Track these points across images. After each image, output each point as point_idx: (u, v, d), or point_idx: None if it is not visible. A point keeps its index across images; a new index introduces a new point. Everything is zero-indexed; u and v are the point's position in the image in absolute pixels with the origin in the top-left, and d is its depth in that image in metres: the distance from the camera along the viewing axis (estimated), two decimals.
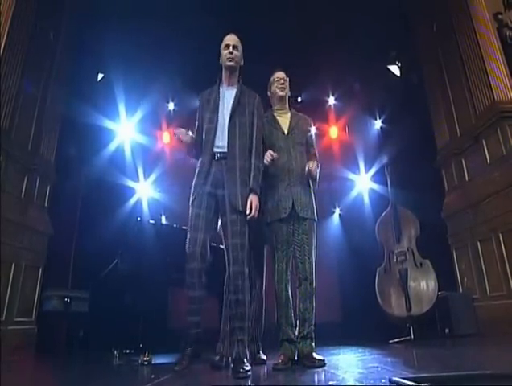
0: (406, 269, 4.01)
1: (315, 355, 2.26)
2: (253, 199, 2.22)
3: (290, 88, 2.78)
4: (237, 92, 2.43)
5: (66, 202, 4.77)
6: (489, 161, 3.85)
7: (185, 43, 5.03)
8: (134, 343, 3.34)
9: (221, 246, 2.32)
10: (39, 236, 4.02)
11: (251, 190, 2.24)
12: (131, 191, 6.05)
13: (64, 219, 4.70)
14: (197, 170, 2.33)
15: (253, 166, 2.30)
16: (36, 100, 4.07)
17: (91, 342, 4.09)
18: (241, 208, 2.20)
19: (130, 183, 6.02)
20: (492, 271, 3.74)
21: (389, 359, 2.34)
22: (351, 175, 6.48)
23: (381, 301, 4.04)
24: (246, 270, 2.19)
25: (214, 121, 2.35)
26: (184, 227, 2.28)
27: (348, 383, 1.54)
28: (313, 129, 2.86)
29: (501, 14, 4.10)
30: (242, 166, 2.28)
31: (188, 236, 2.20)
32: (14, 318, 3.54)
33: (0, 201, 3.25)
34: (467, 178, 4.21)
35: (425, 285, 3.93)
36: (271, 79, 2.78)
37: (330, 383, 1.65)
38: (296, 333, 2.36)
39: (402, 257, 4.09)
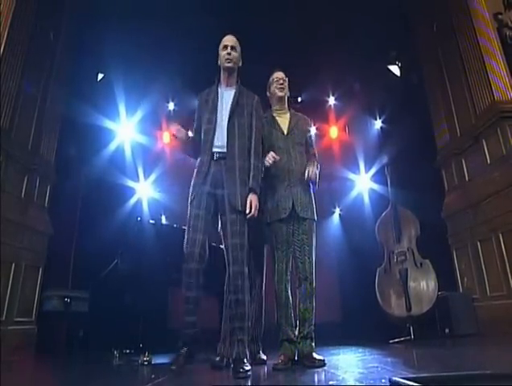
0: (406, 269, 4.02)
1: (315, 355, 2.26)
2: (252, 199, 2.22)
3: (289, 88, 2.77)
4: (235, 93, 2.42)
5: (66, 202, 4.77)
6: (489, 161, 3.85)
7: (185, 43, 5.02)
8: (134, 343, 3.35)
9: (221, 246, 2.32)
10: (39, 236, 4.02)
11: (251, 190, 2.24)
12: (131, 191, 6.05)
13: (64, 219, 4.70)
14: (196, 169, 2.33)
15: (252, 166, 2.30)
16: (36, 100, 4.07)
17: (91, 342, 4.09)
18: (240, 208, 2.20)
19: (130, 183, 6.02)
20: (492, 271, 3.75)
21: (389, 359, 2.34)
22: (351, 175, 6.48)
23: (382, 301, 4.04)
24: (246, 270, 2.19)
25: (213, 121, 2.35)
26: (184, 228, 2.27)
27: (348, 383, 1.54)
28: (313, 129, 2.87)
29: (501, 14, 4.10)
30: (242, 166, 2.28)
31: (187, 236, 2.20)
32: (14, 318, 3.54)
33: (0, 201, 3.25)
34: (467, 178, 4.21)
35: (425, 285, 3.93)
36: (270, 79, 2.77)
37: (330, 383, 1.65)
38: (296, 333, 2.36)
39: (402, 257, 4.09)
